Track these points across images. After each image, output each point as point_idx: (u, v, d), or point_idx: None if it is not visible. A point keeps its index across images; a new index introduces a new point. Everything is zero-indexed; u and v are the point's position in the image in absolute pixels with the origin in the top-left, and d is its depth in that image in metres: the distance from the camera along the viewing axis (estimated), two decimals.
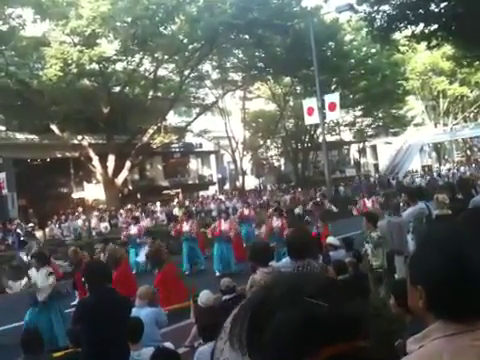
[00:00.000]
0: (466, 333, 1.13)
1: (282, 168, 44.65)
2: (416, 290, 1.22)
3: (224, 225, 13.20)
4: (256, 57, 29.08)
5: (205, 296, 5.53)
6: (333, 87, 31.71)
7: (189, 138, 35.02)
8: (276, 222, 12.50)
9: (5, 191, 21.65)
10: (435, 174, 40.20)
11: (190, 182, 36.49)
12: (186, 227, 13.87)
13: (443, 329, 1.15)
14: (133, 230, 15.35)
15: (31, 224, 19.69)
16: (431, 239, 1.28)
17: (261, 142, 38.70)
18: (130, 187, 29.70)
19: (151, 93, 26.47)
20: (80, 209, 24.98)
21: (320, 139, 29.73)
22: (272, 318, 0.73)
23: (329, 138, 34.96)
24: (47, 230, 18.53)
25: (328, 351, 0.70)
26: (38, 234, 17.32)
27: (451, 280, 1.14)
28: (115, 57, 24.51)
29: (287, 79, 33.73)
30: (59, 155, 28.19)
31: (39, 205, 25.56)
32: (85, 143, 25.48)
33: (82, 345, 4.10)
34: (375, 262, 6.35)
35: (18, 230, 18.88)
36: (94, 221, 20.59)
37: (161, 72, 27.32)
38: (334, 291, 0.78)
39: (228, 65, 30.65)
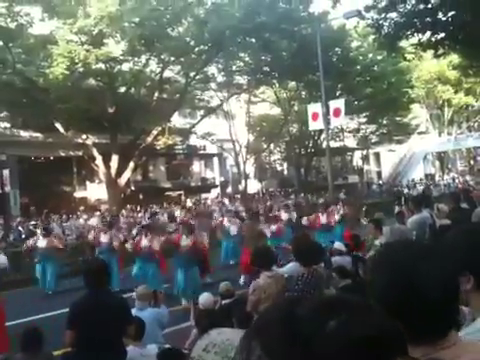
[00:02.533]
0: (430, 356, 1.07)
1: (285, 173, 44.64)
2: None
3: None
4: (262, 61, 29.08)
5: (205, 298, 5.52)
6: (338, 93, 31.71)
7: (193, 140, 35.05)
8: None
9: (8, 188, 21.64)
10: (442, 183, 40.12)
11: (193, 184, 36.50)
12: (104, 239, 12.68)
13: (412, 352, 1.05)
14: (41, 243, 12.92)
15: (33, 222, 19.71)
16: (382, 260, 1.22)
17: (265, 146, 38.68)
18: (133, 188, 29.73)
19: (156, 94, 26.50)
20: (82, 208, 25.00)
21: (324, 145, 29.70)
22: (318, 331, 0.71)
23: (333, 144, 34.89)
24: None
25: None
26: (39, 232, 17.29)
27: (402, 302, 1.09)
28: (122, 57, 24.54)
29: (292, 84, 33.77)
30: (63, 154, 28.27)
31: (41, 203, 25.58)
32: (89, 142, 25.52)
33: (77, 346, 4.07)
34: None
35: (19, 227, 18.90)
36: (95, 220, 20.57)
37: (167, 74, 27.35)
38: (359, 308, 0.76)
39: (234, 68, 30.67)
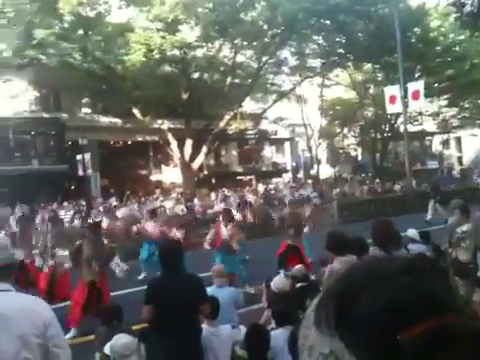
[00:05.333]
0: None
1: (359, 158, 43.57)
2: None
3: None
4: (336, 43, 28.38)
5: (280, 282, 5.50)
6: (417, 75, 30.33)
7: (264, 125, 35.01)
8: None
9: (89, 171, 22.76)
10: None
11: (264, 169, 36.56)
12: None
13: None
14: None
15: (114, 203, 20.62)
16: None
17: (338, 130, 37.96)
18: (205, 172, 30.24)
19: (229, 79, 26.65)
20: (158, 191, 25.82)
21: (401, 129, 28.68)
22: (359, 301, 0.74)
23: (411, 128, 33.50)
24: (127, 209, 19.25)
25: (421, 327, 0.70)
26: (119, 213, 18.07)
27: None
28: (196, 43, 24.88)
29: (368, 66, 32.70)
30: (140, 138, 29.23)
31: (119, 185, 26.67)
32: (164, 127, 26.19)
33: (154, 321, 4.18)
34: (462, 257, 6.00)
35: (100, 208, 19.82)
36: (171, 203, 21.14)
37: (239, 58, 27.40)
38: (419, 269, 0.77)
39: (307, 51, 30.17)
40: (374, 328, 0.72)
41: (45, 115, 27.34)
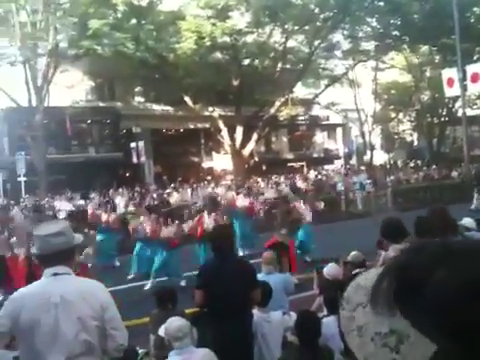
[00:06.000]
0: None
1: (415, 143, 42.25)
2: None
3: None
4: (391, 25, 27.47)
5: (333, 269, 5.42)
6: (476, 57, 28.95)
7: (316, 110, 34.56)
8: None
9: (143, 158, 23.29)
10: None
11: (315, 155, 36.19)
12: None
13: None
14: None
15: (168, 190, 20.99)
16: None
17: (393, 115, 36.96)
18: (256, 159, 30.23)
19: (280, 65, 26.40)
20: (209, 178, 26.07)
21: (459, 113, 27.53)
22: (431, 278, 0.72)
23: (470, 112, 32.10)
24: (179, 195, 19.57)
25: None
26: (172, 199, 18.39)
27: None
28: (246, 29, 24.79)
29: (424, 48, 31.51)
30: (191, 126, 29.56)
31: (172, 172, 27.12)
32: (215, 115, 26.34)
33: (205, 306, 4.22)
34: None
35: (153, 194, 20.23)
36: (221, 190, 21.30)
37: (290, 43, 27.07)
38: None
39: (360, 34, 29.38)
40: (449, 307, 0.70)
41: (100, 104, 28.12)
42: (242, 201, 13.10)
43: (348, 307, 0.82)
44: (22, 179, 19.18)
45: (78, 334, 2.50)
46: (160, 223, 9.87)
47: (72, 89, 26.47)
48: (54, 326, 2.48)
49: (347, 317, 0.82)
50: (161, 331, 3.79)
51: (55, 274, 2.59)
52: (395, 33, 28.15)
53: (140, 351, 4.41)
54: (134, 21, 22.74)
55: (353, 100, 33.16)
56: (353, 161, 36.96)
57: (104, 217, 12.59)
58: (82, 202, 18.83)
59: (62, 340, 2.48)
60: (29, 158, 20.80)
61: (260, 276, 5.43)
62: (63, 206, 18.28)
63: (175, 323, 3.65)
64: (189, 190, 21.34)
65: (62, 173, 24.01)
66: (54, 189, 21.29)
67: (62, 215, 16.06)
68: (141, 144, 22.57)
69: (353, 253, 5.55)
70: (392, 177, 24.84)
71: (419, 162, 33.76)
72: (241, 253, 11.29)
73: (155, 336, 4.34)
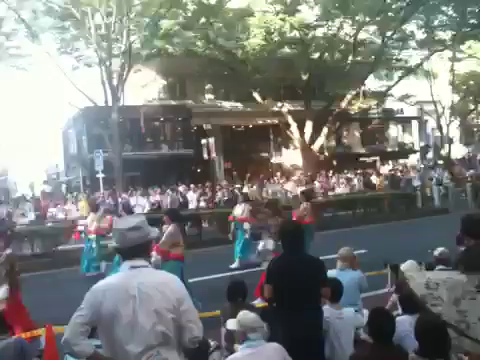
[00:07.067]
0: None
1: None
2: None
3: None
4: (469, 13, 26.13)
5: (409, 265, 5.23)
6: None
7: (389, 103, 33.55)
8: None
9: (213, 155, 23.56)
10: None
11: (389, 150, 35.18)
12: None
13: None
14: None
15: (237, 185, 21.22)
16: None
17: (472, 107, 35.09)
18: (326, 153, 29.79)
19: (350, 58, 25.83)
20: (278, 173, 26.02)
21: None
22: None
23: None
24: (249, 191, 19.69)
25: None
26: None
27: None
28: (315, 23, 24.48)
29: None
30: (260, 122, 29.62)
31: (242, 168, 27.32)
32: (284, 110, 26.24)
33: (274, 300, 4.21)
34: None
35: (224, 190, 20.50)
36: (291, 185, 21.20)
37: (362, 35, 26.39)
38: None
39: (435, 23, 28.11)
40: None
41: (172, 102, 28.86)
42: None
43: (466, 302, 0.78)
44: (100, 176, 20.01)
45: (155, 326, 2.57)
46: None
47: (145, 88, 27.33)
48: (133, 318, 2.57)
49: (460, 311, 0.78)
50: (230, 324, 3.82)
51: (133, 267, 2.69)
52: (472, 21, 26.73)
53: (211, 343, 4.47)
54: (204, 20, 23.08)
55: (429, 92, 31.89)
56: (430, 155, 35.56)
57: None
58: (158, 198, 19.43)
59: (140, 331, 2.56)
60: (106, 156, 21.68)
61: (334, 272, 5.40)
62: (139, 202, 18.99)
63: (249, 314, 3.69)
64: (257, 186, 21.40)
65: (137, 170, 24.91)
66: (130, 186, 22.15)
67: (138, 210, 16.71)
68: (211, 141, 22.84)
69: (440, 249, 5.39)
70: (471, 171, 23.64)
71: None
72: None
73: (226, 329, 4.38)
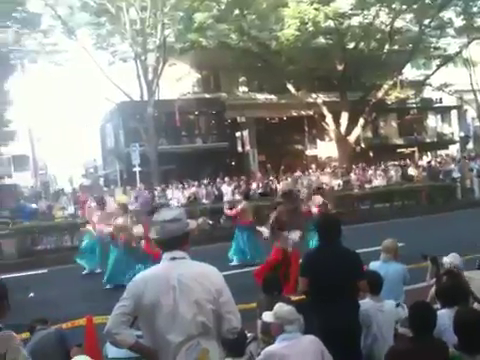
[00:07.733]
0: None
1: None
2: None
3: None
4: None
5: (454, 258, 5.10)
6: None
7: (427, 93, 32.69)
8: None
9: (248, 147, 23.64)
10: None
11: (427, 140, 34.45)
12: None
13: None
14: None
15: (271, 178, 21.16)
16: None
17: None
18: (362, 145, 29.40)
19: (387, 47, 25.34)
20: (313, 166, 25.81)
21: None
22: None
23: None
24: (282, 184, 19.61)
25: None
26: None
27: None
28: (350, 12, 24.08)
29: None
30: (294, 113, 29.42)
31: (276, 160, 27.23)
32: (319, 101, 25.97)
33: (310, 294, 4.19)
34: None
35: (259, 183, 20.51)
36: (327, 178, 20.99)
37: (398, 23, 25.85)
38: None
39: (474, 10, 27.18)
40: None
41: (206, 95, 28.97)
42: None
43: None
44: (137, 169, 20.30)
45: (195, 316, 2.61)
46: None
47: (180, 82, 27.51)
48: (173, 308, 2.61)
49: None
50: (266, 316, 3.83)
51: (173, 258, 2.72)
52: None
53: (248, 335, 4.49)
54: (237, 12, 23.02)
55: (469, 80, 30.95)
56: (470, 146, 34.56)
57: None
58: (194, 190, 19.56)
59: (181, 321, 2.60)
60: (142, 149, 21.97)
61: (377, 264, 5.32)
62: (175, 195, 19.20)
63: (285, 307, 3.71)
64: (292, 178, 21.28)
65: (172, 163, 25.16)
66: (166, 179, 22.40)
67: (175, 203, 16.89)
68: (246, 133, 22.94)
69: None
70: None
71: None
72: None
73: (262, 321, 4.39)
